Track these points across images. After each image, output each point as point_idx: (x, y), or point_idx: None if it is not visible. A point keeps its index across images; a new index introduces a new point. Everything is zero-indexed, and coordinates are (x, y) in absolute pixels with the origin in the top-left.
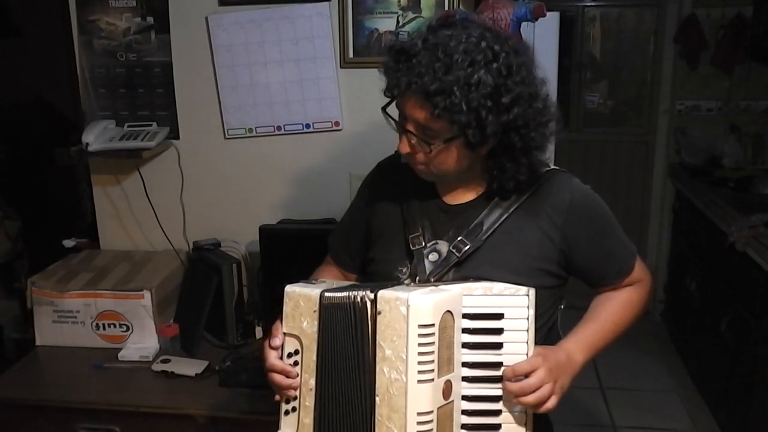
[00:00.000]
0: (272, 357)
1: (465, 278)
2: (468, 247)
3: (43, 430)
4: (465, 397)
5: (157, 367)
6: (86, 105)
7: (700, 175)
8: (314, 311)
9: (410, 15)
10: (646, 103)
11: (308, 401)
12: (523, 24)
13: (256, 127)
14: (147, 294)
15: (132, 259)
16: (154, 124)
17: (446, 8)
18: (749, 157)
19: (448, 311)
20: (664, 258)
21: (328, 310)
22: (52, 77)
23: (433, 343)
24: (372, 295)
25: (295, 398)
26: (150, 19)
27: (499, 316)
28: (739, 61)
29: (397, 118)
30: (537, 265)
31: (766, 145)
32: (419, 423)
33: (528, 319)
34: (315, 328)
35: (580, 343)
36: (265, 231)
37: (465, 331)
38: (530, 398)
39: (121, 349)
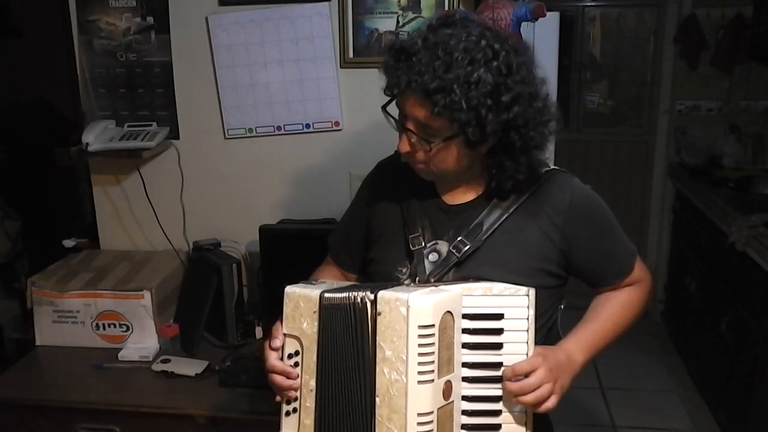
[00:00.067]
0: (272, 358)
1: (465, 278)
2: (468, 247)
3: (43, 430)
4: (465, 398)
5: (157, 367)
6: (86, 105)
7: (700, 175)
8: (314, 312)
9: (410, 15)
10: (646, 103)
11: (309, 402)
12: (523, 24)
13: (256, 127)
14: (147, 294)
15: (132, 259)
16: (154, 124)
17: (446, 8)
18: (749, 157)
19: (448, 312)
20: (664, 258)
21: (328, 311)
22: (52, 77)
23: (433, 343)
24: (372, 296)
25: (295, 399)
26: (150, 19)
27: (499, 317)
28: (739, 61)
29: (397, 117)
30: (537, 265)
31: (766, 145)
32: (419, 423)
33: (528, 319)
34: (315, 329)
35: (580, 343)
36: (265, 231)
37: (465, 331)
38: (530, 398)
39: (121, 349)
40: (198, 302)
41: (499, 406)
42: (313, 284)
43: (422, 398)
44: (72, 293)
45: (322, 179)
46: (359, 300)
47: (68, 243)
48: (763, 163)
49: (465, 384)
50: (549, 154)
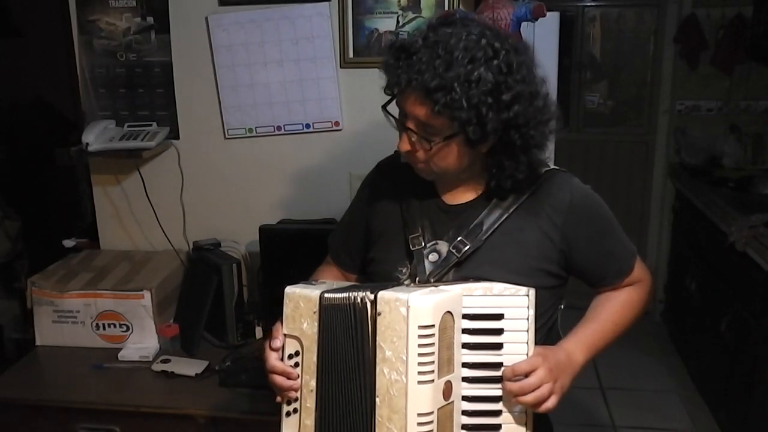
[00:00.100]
0: (273, 358)
1: (465, 278)
2: (468, 247)
3: (43, 430)
4: (465, 398)
5: (157, 367)
6: (86, 105)
7: (700, 175)
8: (314, 312)
9: (410, 15)
10: (646, 103)
11: (309, 402)
12: (523, 24)
13: (256, 127)
14: (147, 294)
15: (132, 259)
16: (154, 124)
17: (446, 8)
18: (749, 157)
19: (448, 312)
20: (664, 258)
21: (328, 311)
22: (52, 77)
23: (433, 344)
24: (372, 296)
25: (296, 400)
26: (150, 19)
27: (499, 317)
28: (739, 61)
29: (397, 116)
30: (537, 266)
31: (766, 145)
32: (419, 424)
33: (528, 319)
34: (315, 330)
35: (580, 343)
36: (265, 231)
37: (465, 331)
38: (529, 398)
39: (121, 349)
40: (198, 302)
41: (499, 406)
42: (313, 284)
43: (422, 398)
44: (72, 293)
45: (322, 179)
46: (359, 300)
47: (68, 243)
48: (763, 163)
49: (465, 384)
50: (549, 154)
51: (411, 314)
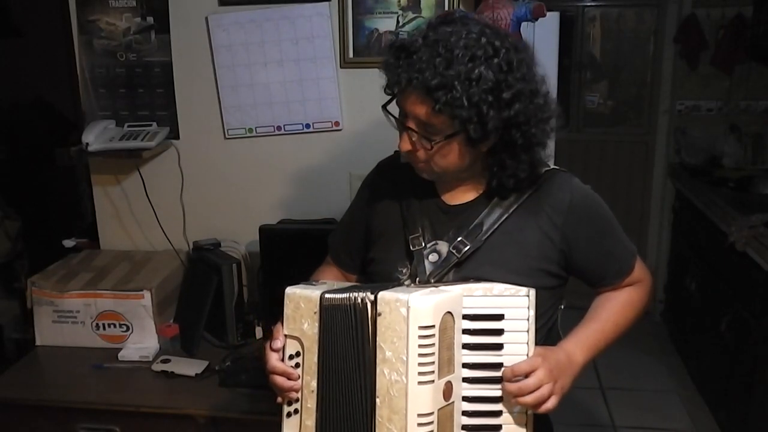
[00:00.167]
0: (273, 359)
1: (465, 279)
2: (468, 247)
3: (43, 430)
4: (465, 398)
5: (157, 367)
6: (86, 105)
7: (700, 175)
8: (315, 313)
9: (410, 15)
10: (646, 103)
11: (310, 403)
12: (523, 24)
13: (256, 127)
14: (147, 294)
15: (132, 259)
16: (154, 124)
17: (446, 8)
18: (749, 157)
19: (449, 312)
20: (664, 258)
21: (328, 312)
22: (52, 77)
23: (433, 344)
24: (372, 297)
25: (297, 400)
26: (150, 19)
27: (499, 317)
28: (739, 61)
29: (397, 115)
30: (537, 266)
31: (766, 145)
32: (420, 424)
33: (528, 319)
34: (316, 330)
35: (580, 344)
36: (265, 231)
37: (465, 332)
38: (529, 398)
39: (121, 349)
40: (198, 302)
41: (499, 406)
42: (314, 285)
43: (422, 399)
44: (72, 293)
45: (322, 179)
46: (359, 301)
47: (68, 243)
48: (763, 163)
49: (465, 385)
50: (549, 153)
51: (411, 315)
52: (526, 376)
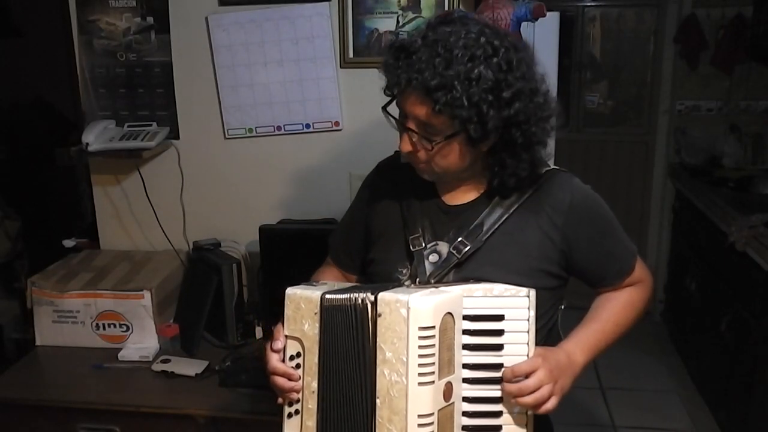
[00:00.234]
0: (274, 360)
1: (465, 279)
2: (468, 248)
3: (43, 430)
4: (466, 399)
5: (157, 367)
6: (86, 105)
7: (700, 175)
8: (315, 313)
9: (410, 15)
10: (646, 103)
11: (311, 404)
12: (523, 24)
13: (256, 127)
14: (147, 294)
15: (132, 259)
16: (154, 124)
17: (446, 8)
18: (749, 157)
19: (449, 313)
20: (664, 258)
21: (329, 312)
22: (52, 77)
23: (433, 345)
24: (372, 297)
25: (297, 401)
26: (150, 19)
27: (499, 318)
28: (739, 61)
29: (397, 116)
30: (537, 266)
31: (766, 145)
32: (420, 425)
33: (528, 320)
34: (316, 331)
35: (581, 344)
36: (265, 231)
37: (465, 332)
38: (529, 399)
39: (121, 349)
40: (198, 302)
41: (499, 407)
42: (314, 285)
43: (423, 400)
44: (72, 293)
45: (322, 179)
46: (360, 301)
47: (68, 243)
48: (763, 163)
49: (465, 385)
50: (549, 153)
51: (411, 315)
52: (527, 376)
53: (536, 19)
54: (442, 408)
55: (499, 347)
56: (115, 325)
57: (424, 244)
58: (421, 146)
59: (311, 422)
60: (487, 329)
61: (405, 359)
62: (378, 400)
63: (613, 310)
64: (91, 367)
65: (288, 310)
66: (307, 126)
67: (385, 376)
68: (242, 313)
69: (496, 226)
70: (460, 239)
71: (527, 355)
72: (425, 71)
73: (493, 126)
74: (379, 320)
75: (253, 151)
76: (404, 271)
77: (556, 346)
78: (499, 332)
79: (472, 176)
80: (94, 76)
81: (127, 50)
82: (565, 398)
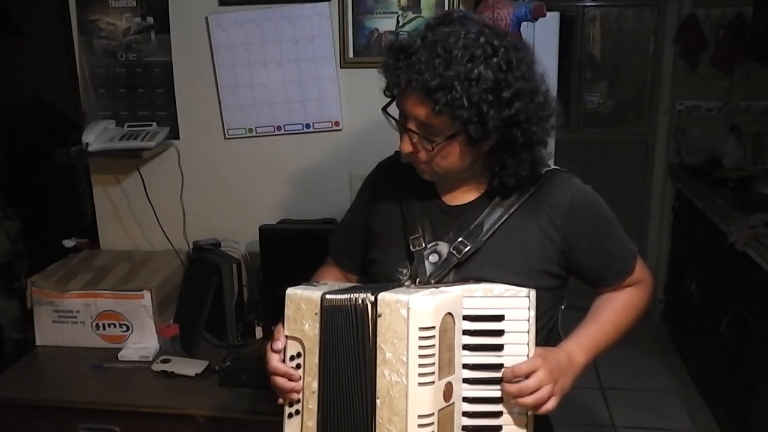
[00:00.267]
0: (274, 360)
1: (465, 279)
2: (468, 248)
3: (43, 430)
4: (466, 399)
5: (157, 367)
6: (86, 105)
7: (700, 175)
8: (315, 314)
9: (410, 15)
10: (646, 103)
11: (311, 404)
12: (523, 24)
13: (256, 127)
14: (147, 294)
15: (132, 259)
16: (154, 124)
17: (446, 8)
18: (749, 157)
19: (449, 313)
20: (664, 258)
21: (329, 313)
22: (52, 77)
23: (433, 345)
24: (372, 298)
25: (298, 401)
26: (150, 19)
27: (499, 318)
28: (739, 61)
29: (397, 117)
30: (537, 266)
31: (766, 145)
32: (420, 426)
33: (529, 320)
34: (317, 331)
35: (581, 344)
36: (265, 231)
37: (466, 332)
38: (529, 399)
39: (121, 349)
40: (198, 302)
41: (499, 407)
42: (315, 286)
43: (423, 400)
44: (72, 293)
45: (322, 179)
46: (360, 302)
47: (68, 243)
48: (763, 163)
49: (466, 385)
50: (549, 153)
51: (411, 316)
52: (527, 377)
53: (536, 19)
54: (442, 408)
55: (499, 347)
56: (115, 325)
57: (424, 245)
58: (422, 147)
59: (312, 422)
60: (487, 329)
61: (405, 359)
62: (378, 401)
63: (614, 311)
64: (91, 367)
65: (288, 311)
66: (307, 126)
67: (385, 376)
68: (242, 313)
69: (496, 226)
70: (460, 239)
71: (527, 356)
72: (425, 72)
73: (494, 126)
74: (379, 320)
75: (253, 151)
76: (404, 272)
77: (556, 347)
78: (500, 332)
79: (472, 176)
80: (94, 76)
81: (127, 50)
82: (565, 398)
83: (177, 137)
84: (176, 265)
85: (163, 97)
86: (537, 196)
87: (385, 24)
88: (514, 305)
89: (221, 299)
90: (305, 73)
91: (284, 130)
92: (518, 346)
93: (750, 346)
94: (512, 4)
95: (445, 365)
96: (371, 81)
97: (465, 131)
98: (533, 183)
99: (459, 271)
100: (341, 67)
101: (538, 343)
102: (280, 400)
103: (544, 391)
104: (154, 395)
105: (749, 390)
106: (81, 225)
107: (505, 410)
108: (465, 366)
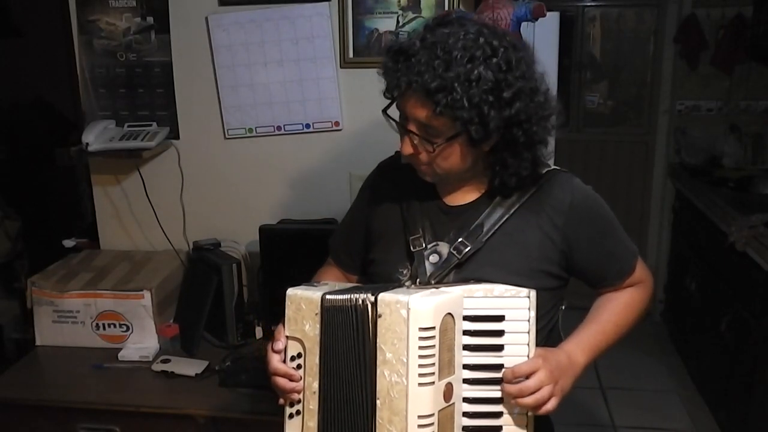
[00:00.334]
0: (275, 361)
1: (466, 280)
2: (468, 248)
3: (43, 430)
4: (466, 399)
5: (157, 367)
6: (86, 105)
7: (700, 175)
8: (316, 314)
9: (410, 15)
10: (646, 103)
11: (312, 404)
12: (523, 24)
13: (256, 127)
14: (147, 294)
15: (132, 259)
16: (154, 124)
17: (446, 8)
18: (749, 157)
19: (449, 314)
20: (664, 258)
21: (329, 313)
22: (52, 77)
23: (433, 346)
24: (373, 298)
25: (299, 402)
26: (150, 19)
27: (500, 318)
28: (739, 61)
29: (398, 119)
30: (538, 267)
31: (766, 145)
32: (420, 426)
33: (529, 320)
34: (317, 331)
35: (581, 345)
36: (265, 231)
37: (466, 333)
38: (529, 400)
39: (121, 349)
40: (198, 302)
41: (500, 408)
42: (315, 286)
43: (423, 400)
44: (72, 293)
45: (322, 179)
46: (360, 302)
47: (68, 243)
48: (763, 163)
49: (466, 386)
50: (550, 152)
51: (411, 316)
52: (527, 377)
53: (536, 19)
54: (442, 409)
55: (499, 348)
56: (115, 325)
57: (424, 245)
58: (423, 148)
59: (312, 423)
60: (487, 330)
61: (405, 360)
62: (378, 401)
63: (614, 311)
64: (91, 367)
65: (289, 311)
66: (307, 126)
67: (385, 376)
68: (242, 313)
69: (497, 226)
70: (460, 240)
71: (528, 356)
72: (425, 73)
73: (495, 126)
74: (379, 321)
75: (253, 151)
76: (405, 272)
77: (556, 347)
78: (500, 333)
79: (473, 177)
80: (94, 76)
81: (127, 50)
82: (566, 398)
83: (177, 137)
84: (176, 265)
85: (163, 97)
86: (537, 197)
87: (385, 24)
88: (515, 306)
89: (221, 299)
90: (305, 73)
91: (284, 130)
92: (518, 346)
93: (750, 346)
94: (512, 4)
95: (446, 366)
96: (371, 81)
97: (466, 132)
98: (534, 183)
99: (459, 271)
100: (341, 67)
101: (538, 344)
102: (281, 401)
103: (544, 392)
104: (154, 395)
105: (749, 390)
106: (81, 225)
107: (505, 411)
108: (465, 366)
